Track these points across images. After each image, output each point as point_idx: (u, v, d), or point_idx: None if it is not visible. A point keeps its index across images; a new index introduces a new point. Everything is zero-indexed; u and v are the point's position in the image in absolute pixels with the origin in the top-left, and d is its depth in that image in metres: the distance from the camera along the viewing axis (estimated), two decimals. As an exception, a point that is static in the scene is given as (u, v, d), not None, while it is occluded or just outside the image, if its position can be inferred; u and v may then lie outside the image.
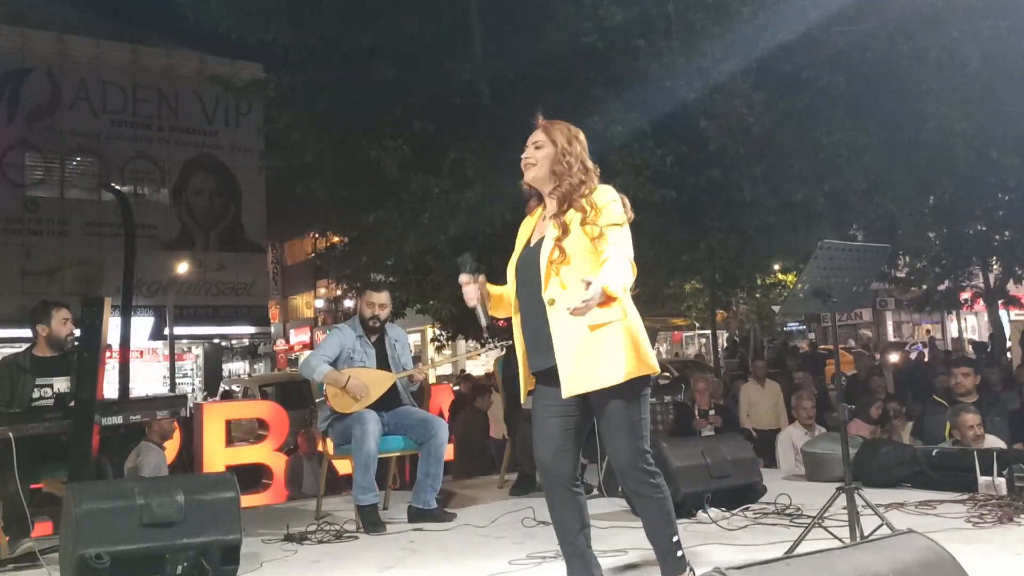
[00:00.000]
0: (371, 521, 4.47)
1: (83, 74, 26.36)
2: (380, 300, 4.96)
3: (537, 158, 2.88)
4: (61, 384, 4.55)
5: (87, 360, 4.10)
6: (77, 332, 4.48)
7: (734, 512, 4.41)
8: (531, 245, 2.94)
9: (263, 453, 6.69)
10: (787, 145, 9.01)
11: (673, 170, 8.59)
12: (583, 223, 2.76)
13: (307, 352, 24.20)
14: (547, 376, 2.85)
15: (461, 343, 13.96)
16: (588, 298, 2.48)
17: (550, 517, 2.93)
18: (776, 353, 18.63)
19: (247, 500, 5.12)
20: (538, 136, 2.91)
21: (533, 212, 3.02)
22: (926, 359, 15.44)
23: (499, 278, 3.13)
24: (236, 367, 33.24)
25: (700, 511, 4.34)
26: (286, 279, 38.81)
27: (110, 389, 13.18)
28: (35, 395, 4.50)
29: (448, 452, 5.06)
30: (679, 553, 2.81)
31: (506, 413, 5.93)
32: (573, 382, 2.74)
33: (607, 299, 2.56)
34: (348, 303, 20.75)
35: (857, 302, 4.40)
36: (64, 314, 4.62)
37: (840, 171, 8.80)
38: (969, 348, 19.16)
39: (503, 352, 5.82)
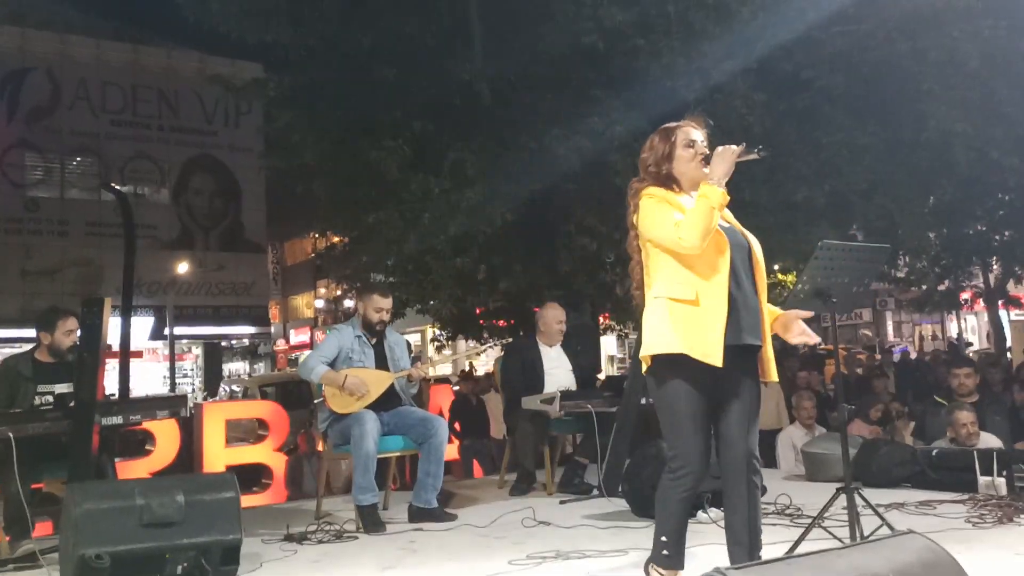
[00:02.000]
0: (371, 521, 4.47)
1: (83, 74, 26.36)
2: (388, 305, 5.04)
3: None
4: (62, 390, 4.53)
5: (87, 360, 4.10)
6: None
7: (734, 512, 4.40)
8: (726, 226, 2.96)
9: (263, 453, 6.69)
10: (787, 145, 9.00)
11: (673, 170, 8.57)
12: None
13: (307, 352, 24.20)
14: (734, 354, 2.85)
15: (461, 343, 13.96)
16: None
17: (673, 505, 2.91)
18: (776, 353, 18.61)
19: (247, 500, 5.13)
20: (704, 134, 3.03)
21: (677, 191, 2.98)
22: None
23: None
24: (236, 367, 33.25)
25: (700, 511, 4.34)
26: (286, 279, 38.83)
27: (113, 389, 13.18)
28: (36, 402, 4.48)
29: (450, 452, 5.07)
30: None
31: (506, 413, 5.93)
32: (774, 368, 2.98)
33: None
34: (348, 303, 20.74)
35: (857, 302, 4.41)
36: (70, 324, 4.58)
37: (840, 171, 8.80)
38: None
39: (503, 352, 5.84)
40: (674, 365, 2.84)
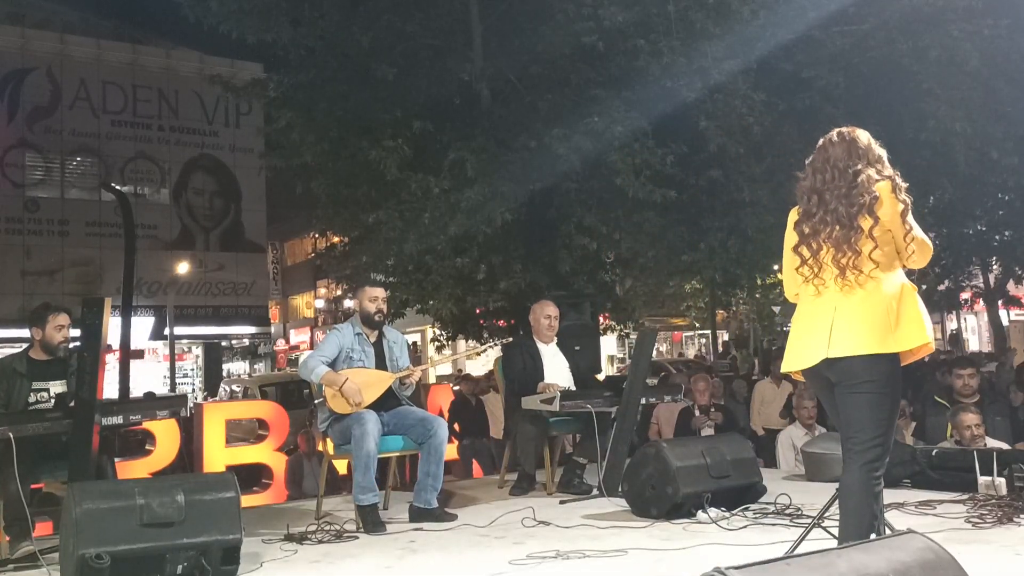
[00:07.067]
0: (371, 521, 4.46)
1: (83, 74, 26.34)
2: (381, 294, 5.03)
3: None
4: (57, 388, 4.53)
5: (87, 360, 4.09)
6: (75, 332, 4.45)
7: (734, 512, 4.40)
8: None
9: (263, 453, 6.69)
10: (787, 145, 9.01)
11: (673, 170, 8.58)
12: None
13: (307, 352, 24.17)
14: None
15: (461, 343, 13.95)
16: None
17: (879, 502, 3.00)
18: (778, 352, 18.61)
19: (247, 500, 5.13)
20: None
21: None
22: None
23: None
24: (236, 367, 33.24)
25: (700, 511, 4.34)
26: (286, 279, 38.83)
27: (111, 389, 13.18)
28: (31, 399, 4.47)
29: (449, 452, 5.06)
30: None
31: (506, 413, 5.93)
32: None
33: None
34: (348, 303, 20.72)
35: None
36: (61, 320, 4.57)
37: (840, 171, 8.82)
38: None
39: (502, 351, 5.82)
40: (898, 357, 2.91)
